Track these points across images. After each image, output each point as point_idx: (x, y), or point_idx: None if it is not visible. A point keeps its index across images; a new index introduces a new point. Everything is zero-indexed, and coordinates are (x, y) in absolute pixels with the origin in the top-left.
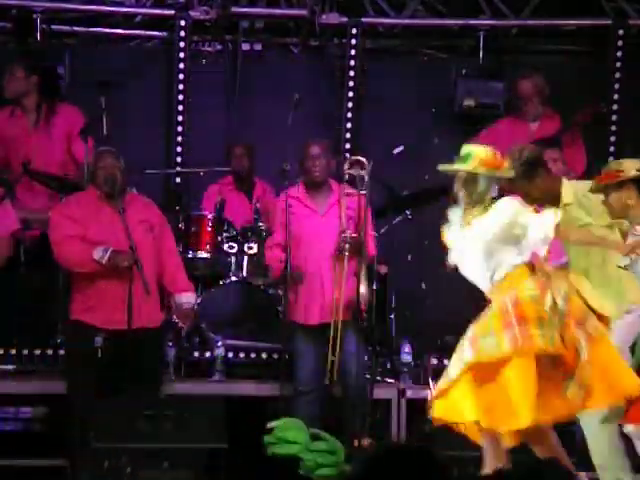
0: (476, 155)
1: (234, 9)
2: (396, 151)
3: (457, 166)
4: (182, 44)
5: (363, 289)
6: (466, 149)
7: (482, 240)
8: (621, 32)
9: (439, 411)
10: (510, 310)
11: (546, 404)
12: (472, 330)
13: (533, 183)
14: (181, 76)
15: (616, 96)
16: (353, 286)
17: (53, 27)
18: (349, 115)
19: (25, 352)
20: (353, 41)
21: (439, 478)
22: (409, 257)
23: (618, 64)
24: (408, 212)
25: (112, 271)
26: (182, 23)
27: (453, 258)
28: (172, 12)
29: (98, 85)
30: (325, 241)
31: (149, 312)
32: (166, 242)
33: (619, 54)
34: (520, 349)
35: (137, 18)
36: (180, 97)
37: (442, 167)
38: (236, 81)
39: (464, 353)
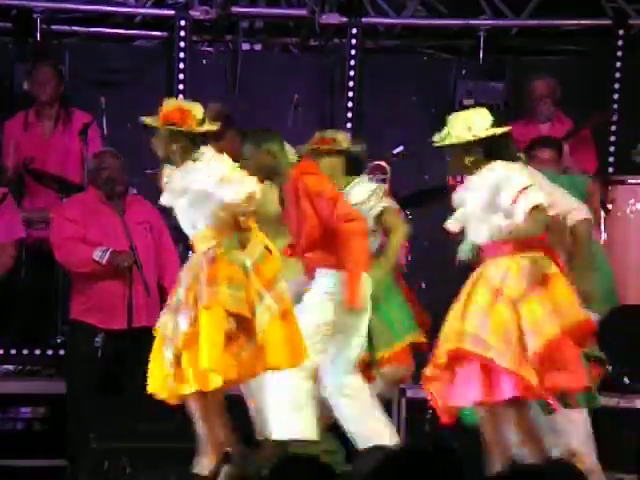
0: (163, 109)
1: (234, 9)
2: (396, 151)
3: (147, 118)
4: (182, 44)
5: None
6: None
7: (187, 192)
8: (621, 32)
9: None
10: (204, 268)
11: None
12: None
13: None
14: (181, 76)
15: (616, 96)
16: None
17: (53, 27)
18: (349, 115)
19: (25, 352)
20: (353, 41)
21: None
22: (409, 257)
23: (618, 64)
24: (408, 212)
25: (112, 271)
26: (182, 23)
27: (165, 199)
28: (172, 12)
29: (98, 85)
30: None
31: (149, 312)
32: (166, 243)
33: (619, 54)
34: (205, 306)
35: (137, 18)
36: (180, 97)
37: (144, 119)
38: (236, 81)
39: (179, 324)
